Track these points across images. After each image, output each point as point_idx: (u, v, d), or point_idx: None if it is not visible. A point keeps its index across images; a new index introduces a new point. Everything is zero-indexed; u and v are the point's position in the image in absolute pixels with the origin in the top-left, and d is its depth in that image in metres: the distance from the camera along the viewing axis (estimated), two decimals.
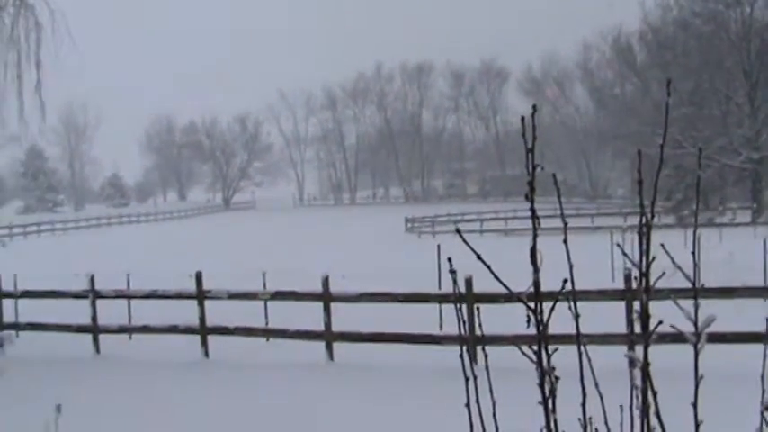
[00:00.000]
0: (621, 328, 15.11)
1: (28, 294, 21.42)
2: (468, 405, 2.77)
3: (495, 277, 2.58)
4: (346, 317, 18.08)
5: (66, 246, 66.65)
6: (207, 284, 19.12)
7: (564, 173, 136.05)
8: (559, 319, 2.76)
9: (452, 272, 2.73)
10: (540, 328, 2.48)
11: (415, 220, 75.27)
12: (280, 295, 18.77)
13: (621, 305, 15.46)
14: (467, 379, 2.82)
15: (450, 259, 2.88)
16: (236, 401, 14.70)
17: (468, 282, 16.45)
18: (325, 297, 17.77)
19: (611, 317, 15.21)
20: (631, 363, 2.58)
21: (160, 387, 16.25)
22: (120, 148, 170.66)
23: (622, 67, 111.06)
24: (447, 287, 19.18)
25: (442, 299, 17.95)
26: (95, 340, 20.48)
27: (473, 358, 16.39)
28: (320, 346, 17.89)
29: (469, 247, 2.63)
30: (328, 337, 17.79)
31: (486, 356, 2.95)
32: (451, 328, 17.29)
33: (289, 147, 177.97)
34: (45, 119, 22.29)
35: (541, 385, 2.48)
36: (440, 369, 16.04)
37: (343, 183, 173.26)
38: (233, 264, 29.98)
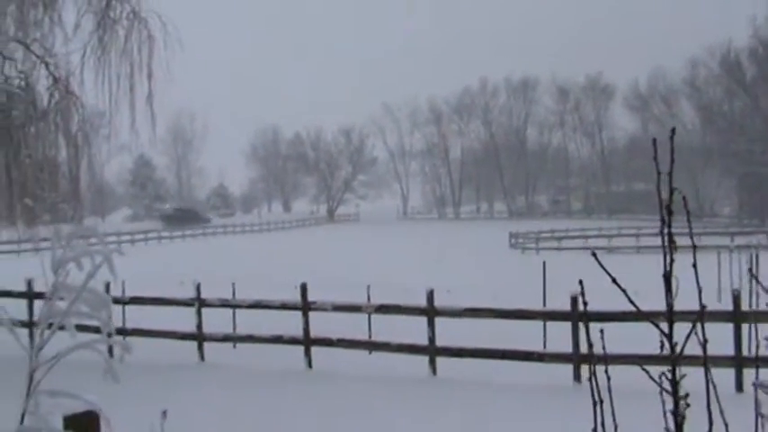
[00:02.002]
0: (722, 349, 14.82)
1: (135, 301, 21.73)
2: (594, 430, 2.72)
3: (630, 300, 2.54)
4: (445, 332, 18.00)
5: (171, 254, 67.51)
6: (311, 296, 19.23)
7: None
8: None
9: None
10: (673, 351, 2.43)
11: (518, 235, 74.80)
12: (384, 309, 18.77)
13: (723, 326, 15.14)
14: (595, 403, 2.76)
15: (581, 281, 2.84)
16: (337, 414, 14.72)
17: (575, 300, 16.33)
18: (430, 311, 17.74)
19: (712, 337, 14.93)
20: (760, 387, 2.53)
21: (263, 396, 16.34)
22: (226, 159, 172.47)
23: (731, 84, 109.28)
24: (552, 304, 19.04)
25: (546, 316, 17.83)
26: (200, 348, 20.73)
27: (577, 377, 16.30)
28: (422, 360, 17.88)
29: (604, 269, 2.60)
30: (432, 351, 17.76)
31: (608, 378, 2.89)
32: (555, 345, 17.22)
33: (393, 160, 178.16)
34: (155, 129, 22.62)
35: (675, 412, 2.41)
36: (543, 387, 15.96)
37: (447, 197, 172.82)
38: (336, 276, 30.05)
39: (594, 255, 2.77)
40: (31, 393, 3.06)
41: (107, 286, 18.27)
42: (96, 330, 3.12)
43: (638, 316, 2.50)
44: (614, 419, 2.72)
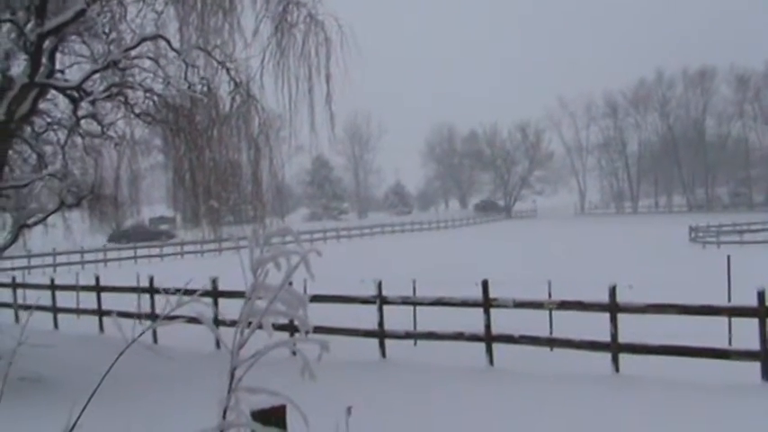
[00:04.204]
0: None
1: (317, 299, 21.98)
2: None
3: None
4: (626, 328, 17.75)
5: (350, 252, 68.27)
6: (492, 293, 19.22)
7: None
8: None
9: None
10: None
11: (698, 229, 73.16)
12: (566, 305, 18.60)
13: None
14: None
15: None
16: (519, 412, 14.69)
17: (761, 295, 15.92)
18: (612, 307, 17.52)
19: None
20: None
21: (446, 393, 16.39)
22: (402, 157, 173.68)
23: None
24: (737, 300, 18.59)
25: (732, 312, 17.42)
26: (382, 345, 20.92)
27: (765, 374, 15.87)
28: (604, 357, 17.68)
29: None
30: (615, 348, 17.53)
31: None
32: (741, 343, 16.82)
33: (570, 155, 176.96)
34: (334, 130, 22.90)
35: None
36: (729, 385, 15.60)
37: (625, 191, 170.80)
38: (516, 272, 29.92)
39: None
40: (232, 390, 3.15)
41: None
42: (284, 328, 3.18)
43: None
44: None
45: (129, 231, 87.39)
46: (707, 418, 13.61)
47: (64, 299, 29.76)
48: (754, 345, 16.04)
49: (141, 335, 3.71)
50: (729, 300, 19.85)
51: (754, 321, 16.05)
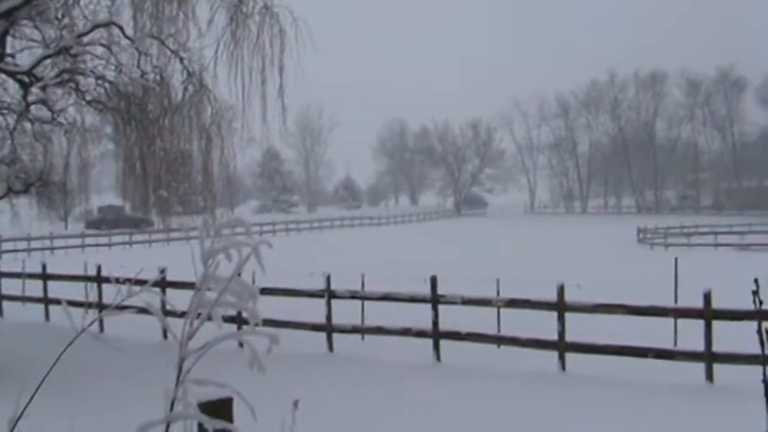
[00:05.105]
0: None
1: (266, 292, 21.87)
2: None
3: None
4: (573, 327, 17.85)
5: (300, 245, 68.16)
6: (440, 289, 19.26)
7: None
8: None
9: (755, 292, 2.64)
10: None
11: (647, 230, 73.76)
12: (514, 303, 18.67)
13: None
14: None
15: (756, 280, 2.78)
16: (466, 408, 14.72)
17: (707, 297, 16.09)
18: (560, 306, 17.62)
19: None
20: None
21: (392, 388, 16.39)
22: (353, 151, 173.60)
23: None
24: (683, 301, 18.74)
25: (679, 313, 17.56)
26: (329, 339, 20.90)
27: (709, 375, 16.03)
28: (551, 355, 17.76)
29: None
30: (562, 346, 17.62)
31: None
32: (686, 344, 16.99)
33: (521, 153, 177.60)
34: (286, 122, 22.81)
35: None
36: (674, 385, 15.73)
37: (575, 191, 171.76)
38: (465, 269, 29.98)
39: None
40: (180, 381, 3.12)
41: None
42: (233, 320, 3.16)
43: None
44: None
45: (108, 218, 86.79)
46: (651, 417, 13.73)
47: (9, 286, 29.45)
48: (699, 346, 16.19)
49: (91, 324, 3.67)
50: (676, 301, 20.02)
51: (700, 323, 16.21)
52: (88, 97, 21.93)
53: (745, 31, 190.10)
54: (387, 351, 19.77)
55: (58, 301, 24.72)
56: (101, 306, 23.06)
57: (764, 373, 2.63)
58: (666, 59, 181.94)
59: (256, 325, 3.17)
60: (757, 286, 2.57)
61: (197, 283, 3.16)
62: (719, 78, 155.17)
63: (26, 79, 20.59)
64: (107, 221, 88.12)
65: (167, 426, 3.15)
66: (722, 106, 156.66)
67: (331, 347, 20.83)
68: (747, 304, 10.04)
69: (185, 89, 22.01)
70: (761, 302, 2.58)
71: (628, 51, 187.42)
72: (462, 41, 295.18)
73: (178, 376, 3.11)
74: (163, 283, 22.79)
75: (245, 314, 3.25)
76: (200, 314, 3.14)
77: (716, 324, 16.03)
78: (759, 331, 2.48)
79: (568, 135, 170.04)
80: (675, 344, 18.45)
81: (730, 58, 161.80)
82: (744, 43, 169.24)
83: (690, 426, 13.16)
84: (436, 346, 19.19)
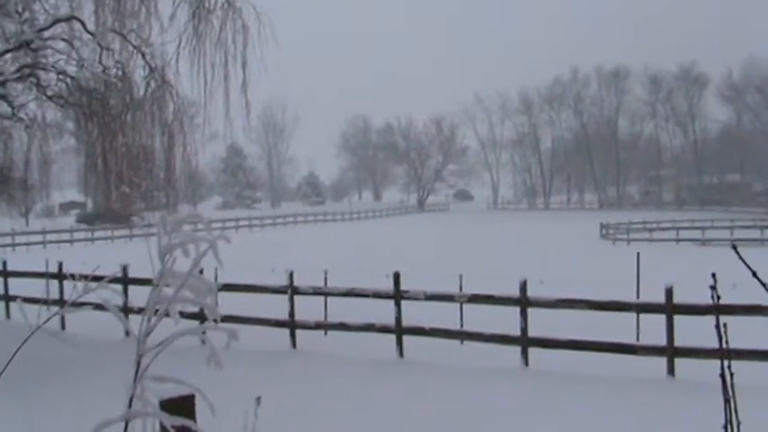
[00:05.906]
0: None
1: (229, 288, 21.74)
2: (725, 427, 2.64)
3: None
4: (537, 322, 17.92)
5: (263, 241, 68.00)
6: (404, 285, 19.25)
7: (766, 182, 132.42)
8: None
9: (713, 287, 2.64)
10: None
11: (609, 226, 74.09)
12: (477, 298, 18.68)
13: None
14: (726, 401, 2.68)
15: (714, 275, 2.77)
16: (428, 404, 14.73)
17: (669, 292, 16.16)
18: (523, 302, 17.64)
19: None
20: None
21: (355, 384, 16.37)
22: (317, 148, 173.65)
23: None
24: (646, 296, 18.82)
25: (641, 308, 17.62)
26: (292, 335, 20.85)
27: (671, 369, 16.11)
28: (515, 350, 17.80)
29: (746, 264, 2.54)
30: (524, 342, 17.65)
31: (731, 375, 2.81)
32: (648, 338, 17.07)
33: (484, 150, 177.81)
34: (249, 118, 22.73)
35: None
36: (636, 379, 15.80)
37: (538, 187, 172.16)
38: (429, 265, 30.01)
39: (735, 248, 2.70)
40: (138, 378, 3.09)
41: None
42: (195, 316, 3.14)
43: (736, 309, 2.43)
44: (736, 416, 2.67)
45: (100, 212, 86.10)
46: (612, 411, 13.78)
47: None
48: (662, 340, 16.27)
49: (47, 321, 3.64)
50: (638, 296, 20.09)
51: (662, 318, 16.29)
52: (49, 92, 21.79)
53: (706, 29, 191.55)
54: (350, 347, 19.74)
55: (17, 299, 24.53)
56: (62, 303, 22.91)
57: (722, 368, 2.63)
58: (629, 56, 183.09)
59: (215, 321, 3.14)
60: (715, 281, 2.56)
61: (154, 279, 3.13)
62: (681, 75, 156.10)
63: None
64: (99, 217, 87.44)
65: (126, 424, 3.12)
66: (684, 103, 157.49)
67: (294, 344, 20.77)
68: (708, 299, 10.11)
69: (147, 85, 21.93)
70: (719, 297, 2.58)
71: (591, 48, 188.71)
72: (426, 38, 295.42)
73: (136, 373, 3.08)
74: (125, 280, 22.64)
75: (205, 310, 3.22)
76: (157, 310, 3.11)
77: (677, 318, 16.10)
78: (717, 326, 2.48)
79: (531, 131, 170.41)
80: (638, 338, 18.54)
81: (692, 56, 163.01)
82: (705, 41, 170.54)
83: (651, 420, 13.23)
84: (399, 342, 19.17)
